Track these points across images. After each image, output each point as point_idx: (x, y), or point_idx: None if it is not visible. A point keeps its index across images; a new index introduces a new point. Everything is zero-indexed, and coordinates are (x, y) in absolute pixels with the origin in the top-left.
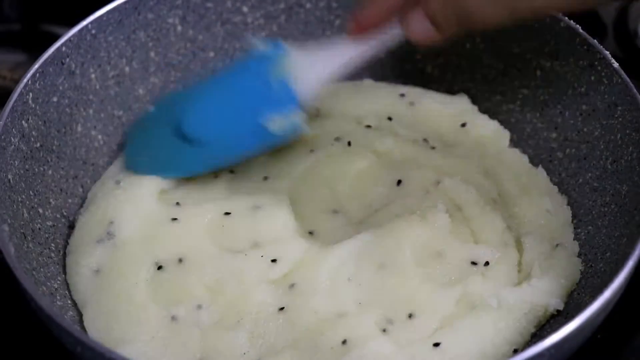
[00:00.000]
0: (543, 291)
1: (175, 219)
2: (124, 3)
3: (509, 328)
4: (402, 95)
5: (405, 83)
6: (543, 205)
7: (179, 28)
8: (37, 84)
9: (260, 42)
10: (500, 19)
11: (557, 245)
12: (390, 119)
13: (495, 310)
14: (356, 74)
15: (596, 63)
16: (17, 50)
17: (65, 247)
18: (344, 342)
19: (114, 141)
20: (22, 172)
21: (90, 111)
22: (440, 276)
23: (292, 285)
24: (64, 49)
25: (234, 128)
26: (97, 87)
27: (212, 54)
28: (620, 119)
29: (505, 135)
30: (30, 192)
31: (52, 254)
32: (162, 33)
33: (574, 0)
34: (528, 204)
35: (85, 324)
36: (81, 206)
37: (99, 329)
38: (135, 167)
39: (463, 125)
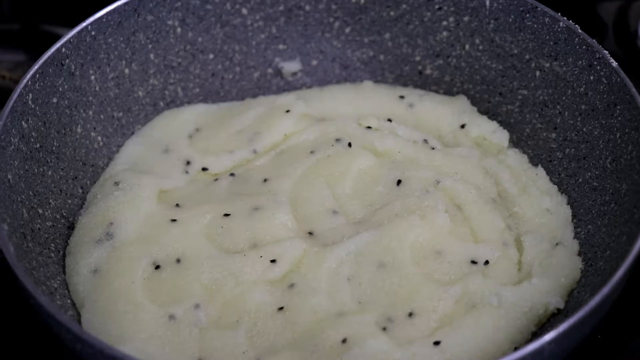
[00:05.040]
0: (543, 290)
1: (174, 220)
2: (124, 5)
3: (509, 327)
4: (402, 97)
5: (404, 85)
6: (543, 204)
7: (179, 30)
8: (37, 85)
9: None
10: None
11: (557, 244)
12: (390, 120)
13: (496, 309)
14: (356, 76)
15: (595, 63)
16: (16, 50)
17: (65, 247)
18: (344, 340)
19: (113, 143)
20: (21, 172)
21: (90, 112)
22: (440, 275)
23: (291, 285)
24: (63, 50)
25: None
26: (97, 88)
27: (211, 56)
28: (619, 118)
29: (504, 135)
30: (30, 192)
31: (52, 254)
32: (161, 35)
33: None
34: (528, 203)
35: (84, 323)
36: (81, 207)
37: (97, 328)
38: None
39: (462, 126)
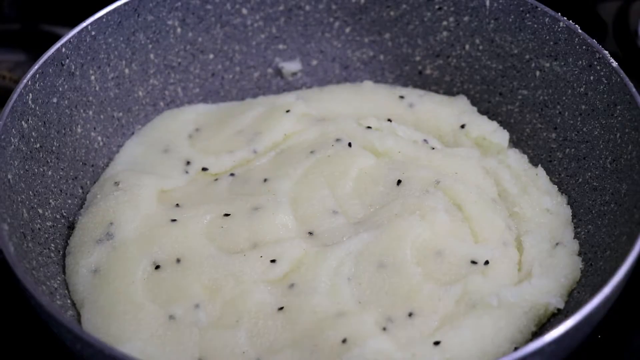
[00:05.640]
0: (543, 290)
1: (174, 220)
2: (124, 5)
3: (510, 327)
4: (402, 97)
5: (404, 85)
6: (543, 204)
7: (179, 30)
8: (37, 85)
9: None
10: None
11: (557, 244)
12: (390, 120)
13: (496, 309)
14: (356, 76)
15: (595, 63)
16: (16, 50)
17: (65, 247)
18: (344, 340)
19: (113, 143)
20: (21, 172)
21: (90, 112)
22: (440, 275)
23: (291, 285)
24: (63, 50)
25: None
26: (97, 88)
27: (211, 56)
28: (619, 118)
29: (504, 135)
30: (30, 192)
31: (52, 254)
32: (161, 35)
33: None
34: (528, 203)
35: (83, 323)
36: (81, 207)
37: (97, 328)
38: None
39: (462, 126)
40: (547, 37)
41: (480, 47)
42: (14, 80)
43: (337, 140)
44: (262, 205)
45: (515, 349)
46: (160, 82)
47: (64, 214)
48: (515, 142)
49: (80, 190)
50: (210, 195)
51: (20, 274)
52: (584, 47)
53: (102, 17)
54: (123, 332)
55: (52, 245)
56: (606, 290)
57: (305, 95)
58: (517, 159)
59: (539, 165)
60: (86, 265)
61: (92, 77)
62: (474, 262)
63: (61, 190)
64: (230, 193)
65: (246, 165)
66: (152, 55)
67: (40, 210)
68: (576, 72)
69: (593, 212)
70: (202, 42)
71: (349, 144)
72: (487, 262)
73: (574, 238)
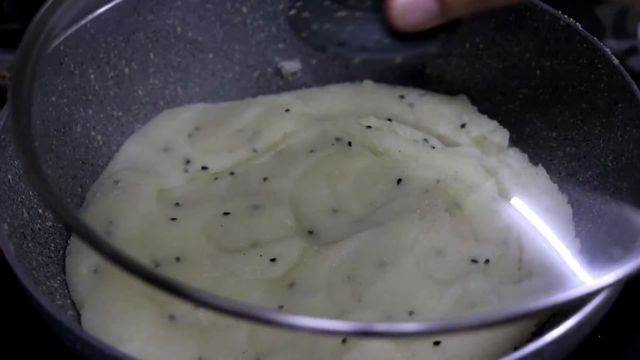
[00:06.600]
0: (543, 289)
1: (174, 219)
2: (123, 3)
3: (510, 327)
4: (402, 96)
5: (405, 84)
6: (543, 203)
7: (179, 29)
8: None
9: None
10: None
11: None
12: (390, 119)
13: (496, 308)
14: (356, 75)
15: (596, 61)
16: (16, 50)
17: (64, 247)
18: (344, 340)
19: (113, 142)
20: (21, 172)
21: (90, 111)
22: (440, 274)
23: (291, 285)
24: (62, 47)
25: None
26: (97, 87)
27: (211, 55)
28: (620, 117)
29: (505, 134)
30: (30, 192)
31: (52, 254)
32: (161, 34)
33: None
34: (528, 202)
35: (84, 323)
36: (80, 206)
37: (97, 328)
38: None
39: (463, 125)
40: (548, 36)
41: (481, 46)
42: None
43: (337, 139)
44: (262, 204)
45: (515, 349)
46: (160, 81)
47: None
48: (515, 141)
49: (80, 190)
50: (210, 194)
51: (20, 274)
52: (585, 45)
53: (101, 15)
54: (123, 332)
55: (52, 245)
56: (606, 290)
57: (305, 95)
58: (518, 158)
59: (540, 164)
60: (86, 265)
61: (92, 76)
62: (474, 261)
63: (60, 190)
64: (230, 192)
65: (246, 165)
66: (152, 55)
67: (40, 210)
68: (577, 70)
69: (594, 211)
70: (202, 41)
71: (349, 143)
72: (487, 261)
73: (574, 237)
